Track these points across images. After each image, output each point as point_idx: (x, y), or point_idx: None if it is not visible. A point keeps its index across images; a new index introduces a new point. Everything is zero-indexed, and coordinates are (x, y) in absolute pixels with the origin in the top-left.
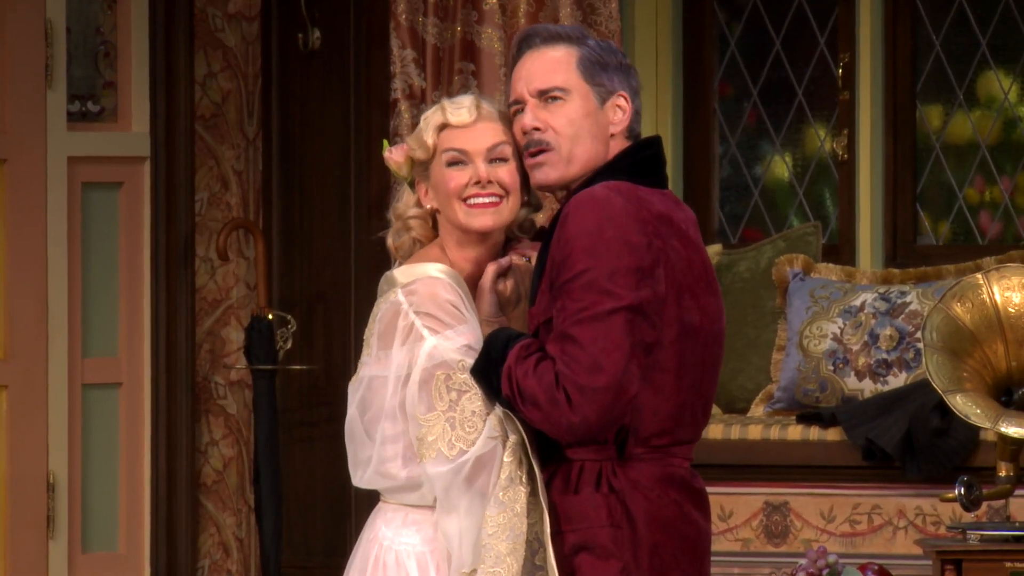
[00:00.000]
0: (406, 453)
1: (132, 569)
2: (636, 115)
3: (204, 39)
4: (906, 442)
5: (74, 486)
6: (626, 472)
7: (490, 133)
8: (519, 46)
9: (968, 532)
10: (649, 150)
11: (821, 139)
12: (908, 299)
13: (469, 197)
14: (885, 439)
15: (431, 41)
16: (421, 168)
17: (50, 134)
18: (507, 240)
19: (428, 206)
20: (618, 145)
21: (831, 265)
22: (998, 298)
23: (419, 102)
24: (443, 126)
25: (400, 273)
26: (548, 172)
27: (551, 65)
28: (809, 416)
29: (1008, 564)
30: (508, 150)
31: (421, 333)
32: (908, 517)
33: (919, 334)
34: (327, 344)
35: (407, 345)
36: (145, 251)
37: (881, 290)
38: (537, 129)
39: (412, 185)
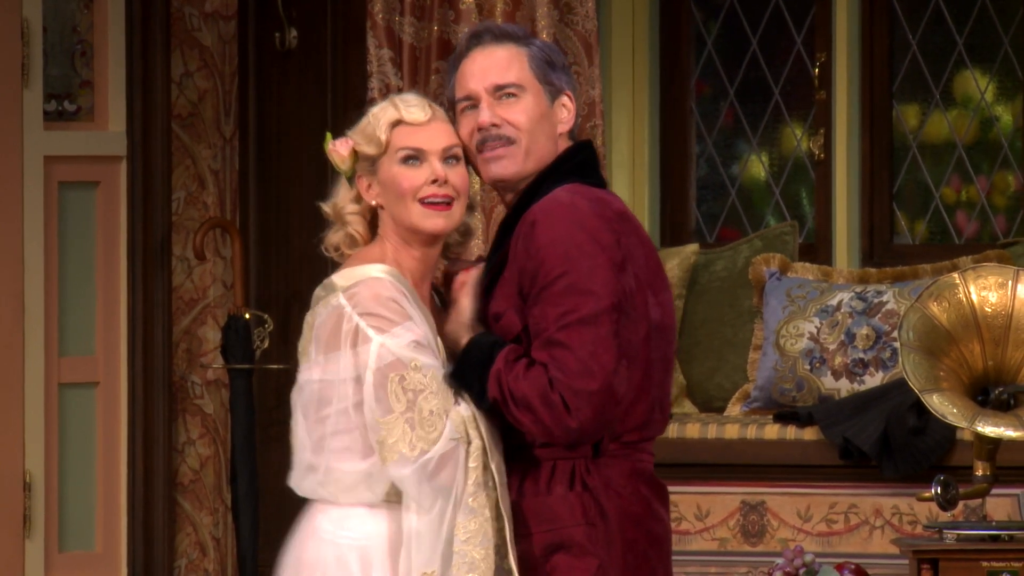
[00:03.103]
0: (363, 447)
1: (109, 568)
2: (577, 115)
3: (181, 38)
4: (883, 441)
5: (51, 485)
6: (599, 469)
7: (445, 133)
8: (467, 43)
9: (945, 531)
10: (587, 151)
11: (798, 138)
12: (885, 298)
13: (426, 197)
14: (862, 438)
15: (408, 40)
16: (367, 163)
17: (26, 133)
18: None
19: (373, 202)
20: (563, 144)
21: (808, 264)
22: (975, 297)
23: None
24: (397, 122)
25: (340, 278)
26: (507, 166)
27: (504, 62)
28: (786, 415)
29: (984, 563)
30: (460, 152)
31: (367, 334)
32: (885, 516)
33: (896, 333)
34: None
35: (355, 348)
36: (122, 250)
37: (858, 289)
38: (495, 125)
39: (350, 180)
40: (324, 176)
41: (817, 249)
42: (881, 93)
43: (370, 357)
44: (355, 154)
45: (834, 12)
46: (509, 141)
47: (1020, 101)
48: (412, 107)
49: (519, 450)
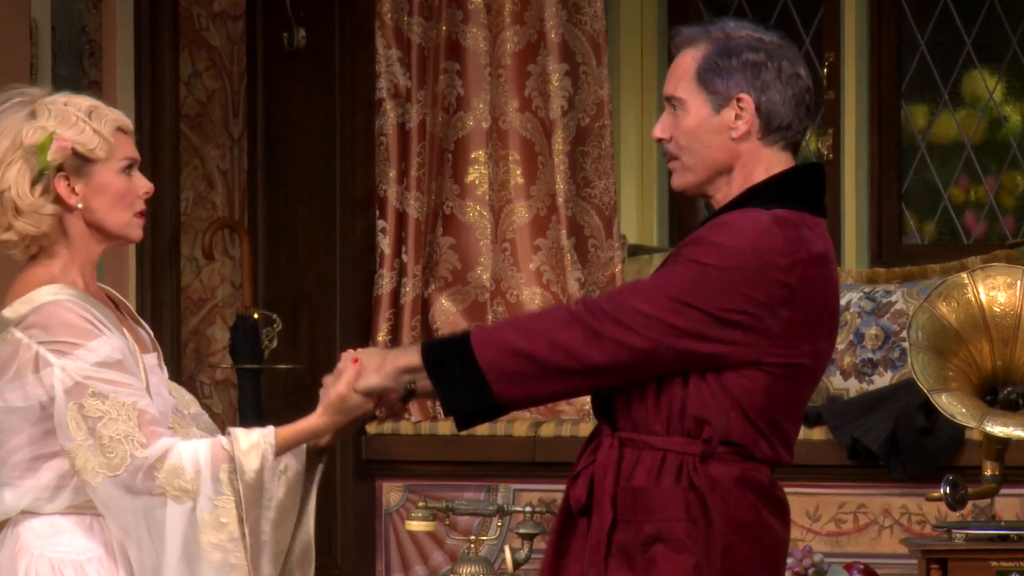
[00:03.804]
0: (45, 453)
1: None
2: (770, 112)
3: (189, 38)
4: (891, 441)
5: None
6: (707, 469)
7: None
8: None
9: (954, 531)
10: (813, 175)
11: (806, 139)
12: (893, 298)
13: (139, 209)
14: (870, 438)
15: (416, 40)
16: (77, 164)
17: None
18: None
19: (79, 205)
20: (753, 148)
21: None
22: (983, 297)
23: (404, 101)
24: (120, 129)
25: (9, 311)
26: (677, 179)
27: (675, 72)
28: None
29: (994, 563)
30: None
31: (48, 359)
32: (894, 516)
33: (904, 333)
34: (312, 343)
35: (38, 374)
36: (130, 250)
37: (866, 289)
38: (662, 139)
39: (41, 175)
40: (332, 176)
41: None
42: (889, 93)
43: (55, 384)
44: (70, 152)
45: (842, 12)
46: (673, 156)
47: None
48: (118, 113)
49: (635, 434)
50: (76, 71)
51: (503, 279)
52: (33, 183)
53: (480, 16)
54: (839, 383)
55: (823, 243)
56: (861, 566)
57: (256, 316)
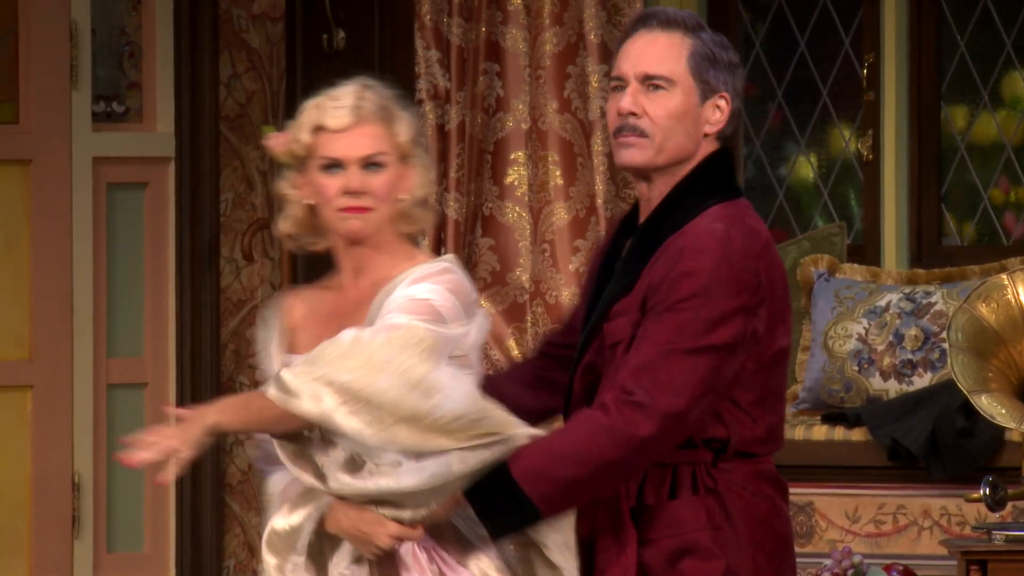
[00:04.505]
0: None
1: (157, 569)
2: (734, 117)
3: (229, 40)
4: (931, 442)
5: (99, 486)
6: (720, 474)
7: (367, 140)
8: (635, 24)
9: (993, 532)
10: (728, 161)
11: (846, 139)
12: (933, 299)
13: (341, 207)
14: (910, 439)
15: (456, 42)
16: (300, 162)
17: (75, 134)
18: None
19: (306, 201)
20: (708, 146)
21: (856, 265)
22: (1023, 299)
23: (444, 103)
24: (319, 128)
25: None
26: (635, 155)
27: (662, 52)
28: (834, 416)
29: None
30: (385, 157)
31: None
32: (933, 517)
33: (944, 334)
34: None
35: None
36: (170, 251)
37: (906, 290)
38: (634, 114)
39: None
40: None
41: (865, 250)
42: (929, 94)
43: None
44: (291, 151)
45: (882, 13)
46: (643, 134)
47: None
48: (339, 109)
49: None
50: (116, 73)
51: (542, 280)
52: None
53: (520, 17)
54: (879, 384)
55: (760, 223)
56: (900, 567)
57: None
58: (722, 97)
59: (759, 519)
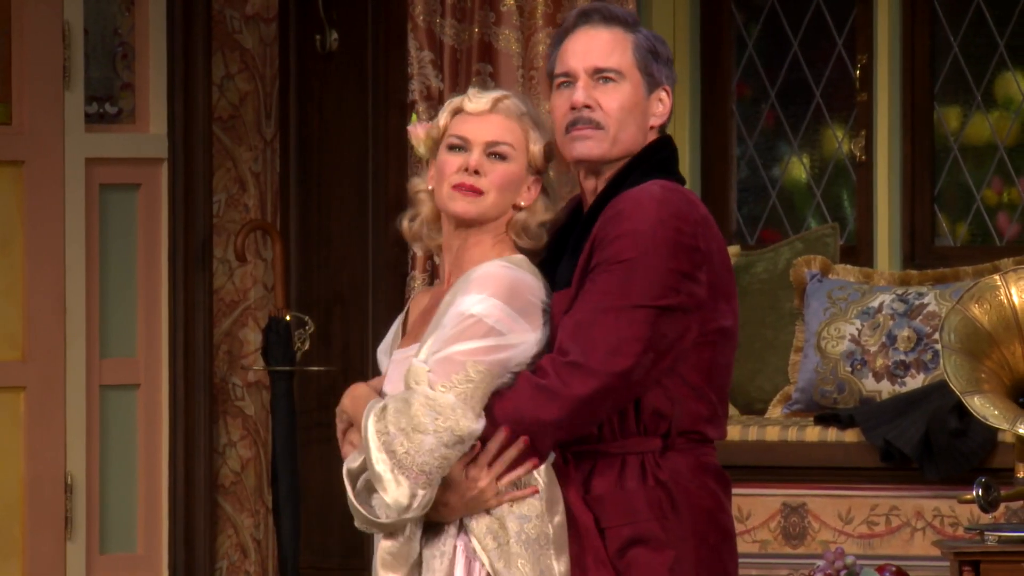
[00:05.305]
0: None
1: (150, 570)
2: (669, 112)
3: (222, 41)
4: (924, 443)
5: (92, 487)
6: (667, 463)
7: (498, 128)
8: (575, 20)
9: (986, 533)
10: (671, 147)
11: (839, 140)
12: (926, 300)
13: (455, 183)
14: (903, 440)
15: (449, 43)
16: (435, 147)
17: (68, 135)
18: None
19: (428, 187)
20: (652, 137)
21: (849, 266)
22: (1016, 299)
23: (436, 103)
24: (458, 111)
25: None
26: (591, 147)
27: (608, 46)
28: (827, 417)
29: None
30: (510, 151)
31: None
32: (926, 518)
33: (937, 335)
34: (345, 345)
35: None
36: (163, 252)
37: (899, 291)
38: (588, 107)
39: (427, 163)
40: (365, 177)
41: (858, 251)
42: (922, 95)
43: None
44: (429, 138)
45: (875, 14)
46: (598, 126)
47: None
48: (481, 97)
49: (584, 445)
50: (109, 73)
51: None
52: None
53: (513, 18)
54: (871, 385)
55: (701, 203)
56: (893, 568)
57: (288, 318)
58: (664, 90)
59: (703, 512)
